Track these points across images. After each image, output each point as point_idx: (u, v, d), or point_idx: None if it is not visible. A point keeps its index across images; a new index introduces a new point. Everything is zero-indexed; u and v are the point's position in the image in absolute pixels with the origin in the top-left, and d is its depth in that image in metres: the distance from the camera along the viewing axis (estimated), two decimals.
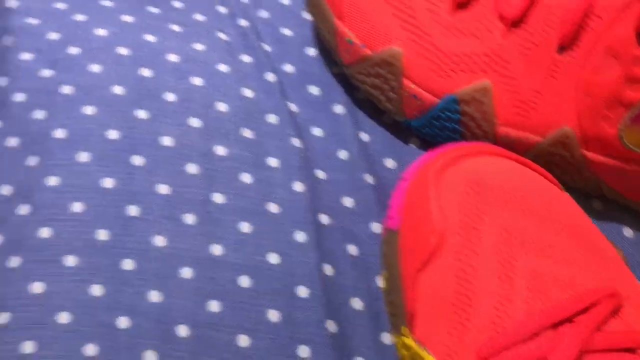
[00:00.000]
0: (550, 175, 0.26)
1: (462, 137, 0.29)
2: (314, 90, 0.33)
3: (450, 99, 0.28)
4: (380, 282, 0.28)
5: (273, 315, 0.27)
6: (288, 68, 0.33)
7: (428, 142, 0.31)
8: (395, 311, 0.25)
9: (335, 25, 0.30)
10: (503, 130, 0.28)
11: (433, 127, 0.30)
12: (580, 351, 0.21)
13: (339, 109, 0.32)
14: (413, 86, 0.29)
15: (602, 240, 0.25)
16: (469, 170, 0.25)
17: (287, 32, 0.35)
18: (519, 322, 0.22)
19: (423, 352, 0.23)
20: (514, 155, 0.26)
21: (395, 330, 0.25)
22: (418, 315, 0.24)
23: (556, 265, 0.23)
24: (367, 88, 0.31)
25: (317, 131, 0.32)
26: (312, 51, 0.34)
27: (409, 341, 0.24)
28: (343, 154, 0.31)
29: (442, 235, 0.23)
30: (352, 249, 0.29)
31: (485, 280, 0.23)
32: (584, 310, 0.22)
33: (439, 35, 0.28)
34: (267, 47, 0.34)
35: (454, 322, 0.23)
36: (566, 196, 0.26)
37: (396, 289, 0.25)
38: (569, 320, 0.21)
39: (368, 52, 0.29)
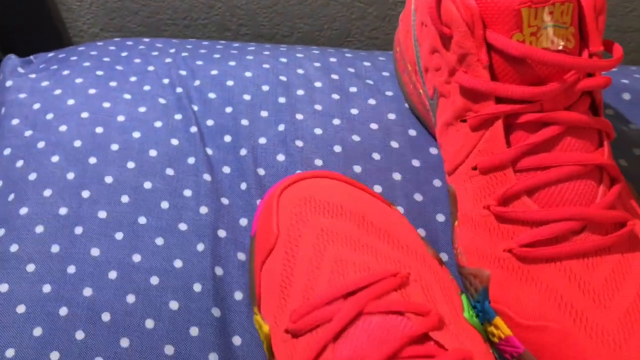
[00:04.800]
0: (374, 192, 0.34)
1: None
2: (227, 138, 0.42)
3: None
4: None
5: (173, 305, 0.35)
6: (209, 122, 0.43)
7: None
8: (252, 296, 0.33)
9: None
10: None
11: None
12: (357, 313, 0.28)
13: (243, 151, 0.41)
14: None
15: (411, 240, 0.33)
16: (303, 189, 0.33)
17: (212, 95, 0.44)
18: (319, 294, 0.29)
19: (263, 324, 0.31)
20: (344, 178, 0.34)
21: (254, 312, 0.33)
22: (262, 297, 0.32)
23: (357, 255, 0.30)
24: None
25: (225, 169, 0.41)
26: (229, 109, 0.43)
27: (258, 318, 0.32)
28: (243, 185, 0.40)
29: (277, 237, 0.32)
30: (241, 256, 0.37)
31: (301, 266, 0.30)
32: (368, 285, 0.29)
33: None
34: (195, 107, 0.44)
35: (279, 298, 0.30)
36: (387, 208, 0.34)
37: (252, 280, 0.33)
38: (355, 292, 0.29)
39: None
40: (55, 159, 0.41)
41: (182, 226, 0.38)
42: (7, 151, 0.41)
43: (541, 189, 0.32)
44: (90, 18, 0.81)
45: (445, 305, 0.30)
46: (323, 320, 0.28)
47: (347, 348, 0.27)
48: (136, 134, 0.42)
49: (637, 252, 0.32)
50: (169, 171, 0.40)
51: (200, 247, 0.37)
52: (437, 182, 0.40)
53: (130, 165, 0.40)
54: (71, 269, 0.36)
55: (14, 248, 0.37)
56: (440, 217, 0.38)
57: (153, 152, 0.41)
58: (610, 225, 0.32)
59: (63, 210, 0.38)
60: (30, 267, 0.36)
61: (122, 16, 0.80)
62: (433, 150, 0.41)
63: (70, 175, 0.40)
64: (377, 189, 0.39)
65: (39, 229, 0.38)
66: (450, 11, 0.32)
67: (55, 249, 0.37)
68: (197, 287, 0.36)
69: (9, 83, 0.45)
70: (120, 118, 0.42)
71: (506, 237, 0.32)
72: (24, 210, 0.39)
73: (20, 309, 0.35)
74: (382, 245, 0.31)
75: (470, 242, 0.34)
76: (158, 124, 0.42)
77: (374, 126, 0.42)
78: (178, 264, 0.37)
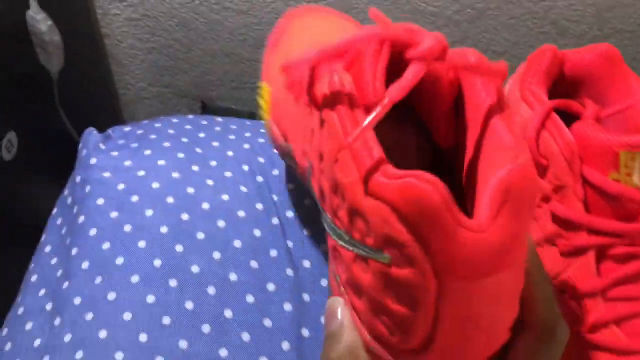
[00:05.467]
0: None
1: None
2: (306, 231, 0.44)
3: None
4: None
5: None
6: (289, 214, 0.44)
7: None
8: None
9: None
10: None
11: None
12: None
13: (323, 245, 0.43)
14: None
15: None
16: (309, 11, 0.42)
17: (290, 186, 0.46)
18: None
19: (265, 86, 0.38)
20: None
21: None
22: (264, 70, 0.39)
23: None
24: None
25: (306, 263, 0.42)
26: (307, 201, 0.45)
27: (262, 84, 0.38)
28: (324, 282, 0.41)
29: (285, 29, 0.41)
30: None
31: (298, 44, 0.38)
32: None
33: None
34: (275, 197, 0.45)
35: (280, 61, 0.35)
36: None
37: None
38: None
39: None
40: (142, 244, 0.42)
41: (267, 322, 0.39)
42: (92, 231, 0.43)
43: (629, 320, 0.33)
44: (140, 73, 0.83)
45: None
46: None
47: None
48: (221, 223, 0.43)
49: None
50: (253, 263, 0.41)
51: (286, 345, 0.38)
52: None
53: (216, 255, 0.42)
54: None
55: (102, 334, 0.38)
56: None
57: (237, 243, 0.42)
58: None
59: (150, 299, 0.40)
60: (119, 355, 0.37)
61: (172, 74, 0.82)
62: None
63: (157, 263, 0.41)
64: None
65: (127, 315, 0.39)
66: (549, 145, 0.34)
67: (143, 338, 0.38)
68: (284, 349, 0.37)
69: (93, 160, 0.47)
70: (205, 206, 0.44)
71: None
72: (112, 296, 0.40)
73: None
74: None
75: None
76: (241, 213, 0.44)
77: None
78: None
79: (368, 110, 0.24)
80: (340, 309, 0.26)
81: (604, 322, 0.34)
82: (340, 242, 0.26)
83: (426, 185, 0.20)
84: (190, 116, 0.53)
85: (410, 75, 0.23)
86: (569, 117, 0.37)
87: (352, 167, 0.23)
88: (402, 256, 0.21)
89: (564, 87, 0.39)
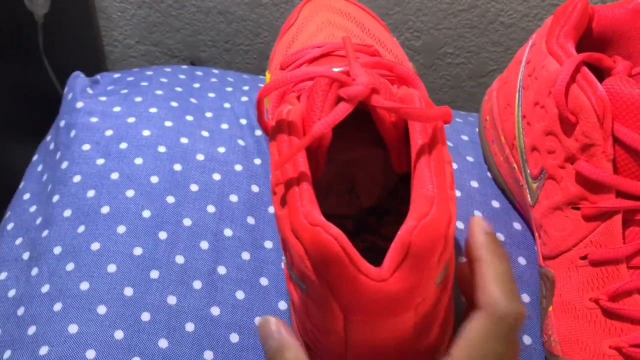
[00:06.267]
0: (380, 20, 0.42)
1: None
2: None
3: None
4: None
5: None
6: None
7: None
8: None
9: None
10: None
11: None
12: (322, 54, 0.35)
13: None
14: None
15: (400, 54, 0.39)
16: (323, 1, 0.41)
17: None
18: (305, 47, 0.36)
19: (268, 76, 0.39)
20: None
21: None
22: (273, 59, 0.40)
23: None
24: None
25: None
26: None
27: (267, 74, 0.39)
28: None
29: (295, 19, 0.41)
30: None
31: (304, 35, 0.38)
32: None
33: None
34: None
35: (283, 55, 0.38)
36: (386, 31, 0.41)
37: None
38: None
39: None
40: (130, 193, 0.39)
41: (264, 281, 0.36)
42: (76, 178, 0.40)
43: None
44: (128, 29, 0.79)
45: None
46: (300, 56, 0.35)
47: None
48: (216, 176, 0.40)
49: None
50: (250, 220, 0.39)
51: (282, 305, 0.36)
52: (522, 260, 0.39)
53: (211, 209, 0.39)
54: (145, 316, 0.35)
55: (84, 286, 0.35)
56: (526, 298, 0.38)
57: (234, 198, 0.39)
58: None
59: (138, 251, 0.37)
60: (102, 309, 0.35)
61: (162, 32, 0.78)
62: (517, 225, 0.40)
63: (146, 214, 0.38)
64: (461, 259, 0.38)
65: (112, 267, 0.36)
66: (579, 99, 0.32)
67: (128, 292, 0.35)
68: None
69: (79, 104, 0.43)
70: (200, 157, 0.41)
71: (614, 334, 0.32)
72: (95, 246, 0.37)
73: (90, 354, 0.33)
74: (377, 46, 0.37)
75: (570, 332, 0.33)
76: (238, 167, 0.41)
77: (457, 193, 0.41)
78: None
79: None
80: (275, 329, 0.27)
81: (627, 290, 0.31)
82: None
83: (329, 237, 0.23)
84: (185, 66, 0.50)
85: (336, 113, 0.26)
86: (598, 74, 0.34)
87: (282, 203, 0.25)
88: (314, 290, 0.24)
89: (592, 43, 0.37)
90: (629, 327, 0.31)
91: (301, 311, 0.28)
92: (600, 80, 0.32)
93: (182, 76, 0.48)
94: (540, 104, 0.35)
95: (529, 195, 0.37)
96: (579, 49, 0.36)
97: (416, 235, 0.23)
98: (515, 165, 0.39)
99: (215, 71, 0.50)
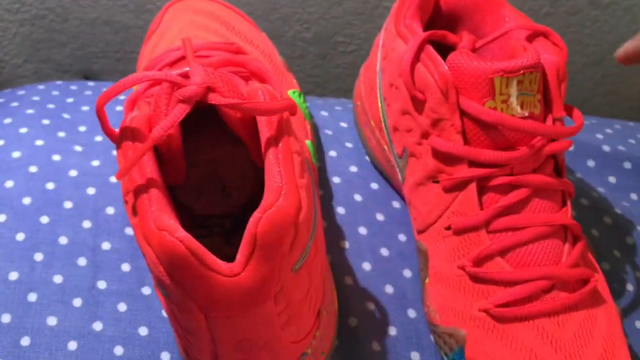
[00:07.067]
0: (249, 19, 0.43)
1: None
2: None
3: None
4: None
5: None
6: None
7: None
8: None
9: None
10: None
11: None
12: (181, 57, 0.34)
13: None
14: None
15: (272, 52, 0.42)
16: (186, 3, 0.42)
17: None
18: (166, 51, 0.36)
19: None
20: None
21: None
22: (139, 65, 0.40)
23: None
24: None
25: None
26: None
27: None
28: None
29: (158, 25, 0.42)
30: None
31: (166, 42, 0.39)
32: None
33: None
34: None
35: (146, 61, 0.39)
36: (255, 29, 0.43)
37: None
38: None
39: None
40: (1, 218, 0.38)
41: (146, 290, 0.36)
42: None
43: (513, 250, 0.33)
44: (13, 48, 0.77)
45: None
46: (161, 60, 0.34)
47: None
48: (91, 190, 0.40)
49: (600, 307, 0.33)
50: (128, 230, 0.38)
51: None
52: (402, 237, 0.40)
53: (86, 224, 0.38)
54: (25, 341, 0.34)
55: None
56: (407, 273, 0.39)
57: (110, 210, 0.39)
58: (576, 283, 0.33)
59: (13, 275, 0.36)
60: None
61: (49, 48, 0.76)
62: (396, 204, 0.42)
63: (20, 236, 0.37)
64: (344, 244, 0.39)
65: None
66: (424, 77, 0.33)
67: (6, 318, 0.34)
68: (164, 356, 0.34)
69: None
70: (73, 172, 0.40)
71: (481, 297, 0.33)
72: None
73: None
74: (242, 43, 0.38)
75: (445, 301, 0.34)
76: (113, 179, 0.40)
77: (337, 179, 0.42)
78: (143, 331, 0.35)
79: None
80: None
81: (488, 254, 0.33)
82: None
83: (174, 240, 0.23)
84: (59, 82, 0.49)
85: (174, 115, 0.26)
86: (446, 51, 0.36)
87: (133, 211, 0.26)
88: (172, 294, 0.25)
89: (442, 22, 0.38)
90: (494, 289, 0.33)
91: (170, 317, 0.28)
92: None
93: (55, 92, 0.47)
94: (394, 85, 0.36)
95: (399, 174, 0.39)
96: (430, 29, 0.38)
97: (261, 226, 0.24)
98: (385, 147, 0.40)
99: (91, 83, 0.49)
